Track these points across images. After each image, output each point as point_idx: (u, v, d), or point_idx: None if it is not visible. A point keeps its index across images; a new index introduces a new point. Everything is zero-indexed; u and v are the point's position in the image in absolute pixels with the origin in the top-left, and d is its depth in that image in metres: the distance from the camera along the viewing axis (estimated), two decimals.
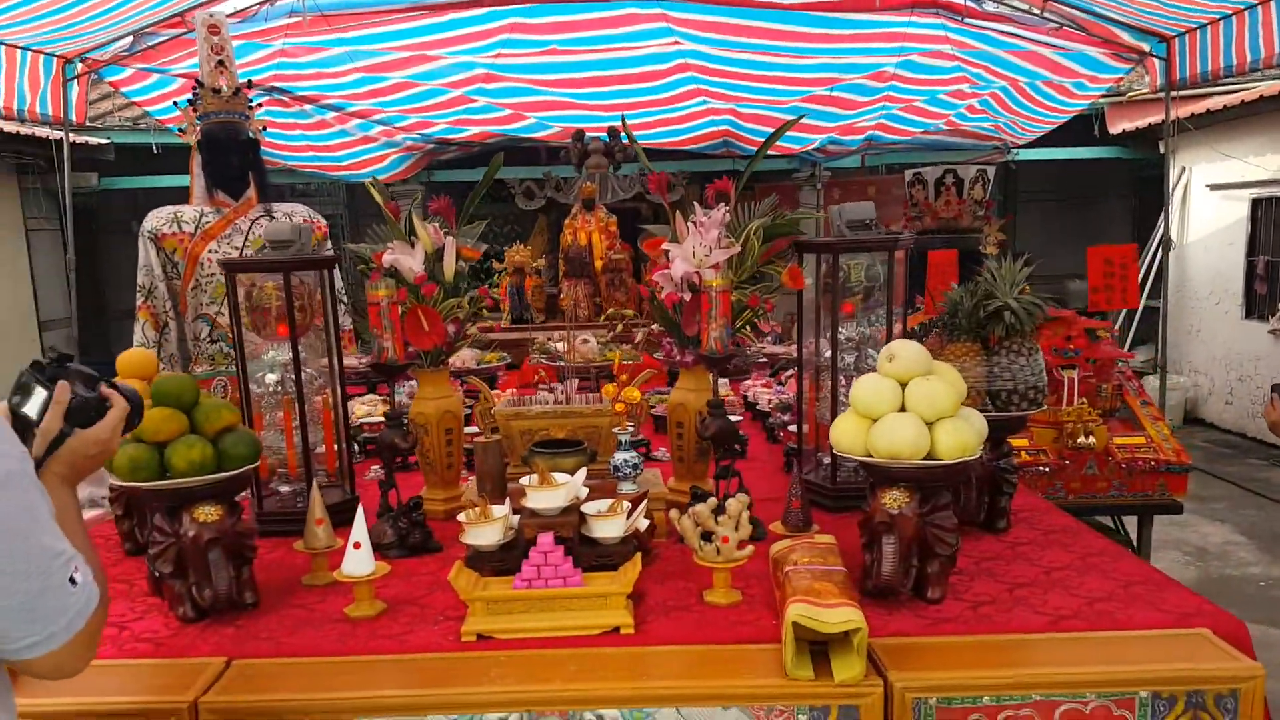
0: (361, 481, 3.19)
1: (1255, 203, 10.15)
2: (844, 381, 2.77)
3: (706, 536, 2.14)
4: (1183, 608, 2.02)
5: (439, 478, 2.87)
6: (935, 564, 2.09)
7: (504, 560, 2.14)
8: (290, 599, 2.24)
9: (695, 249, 2.49)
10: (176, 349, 4.34)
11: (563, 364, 4.08)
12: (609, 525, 2.17)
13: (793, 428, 3.16)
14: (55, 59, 5.96)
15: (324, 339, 2.87)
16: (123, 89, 6.86)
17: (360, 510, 2.16)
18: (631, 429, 2.75)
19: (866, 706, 1.73)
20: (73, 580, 1.32)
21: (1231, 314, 10.57)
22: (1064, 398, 3.92)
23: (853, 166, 11.32)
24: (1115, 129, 10.67)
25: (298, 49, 6.49)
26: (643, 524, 2.26)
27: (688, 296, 2.57)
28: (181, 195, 4.30)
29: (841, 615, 1.75)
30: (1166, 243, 6.87)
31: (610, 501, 2.24)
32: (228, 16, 5.07)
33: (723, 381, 4.19)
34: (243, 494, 2.40)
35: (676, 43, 6.70)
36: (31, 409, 1.51)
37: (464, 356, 4.26)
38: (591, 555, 2.16)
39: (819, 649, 1.81)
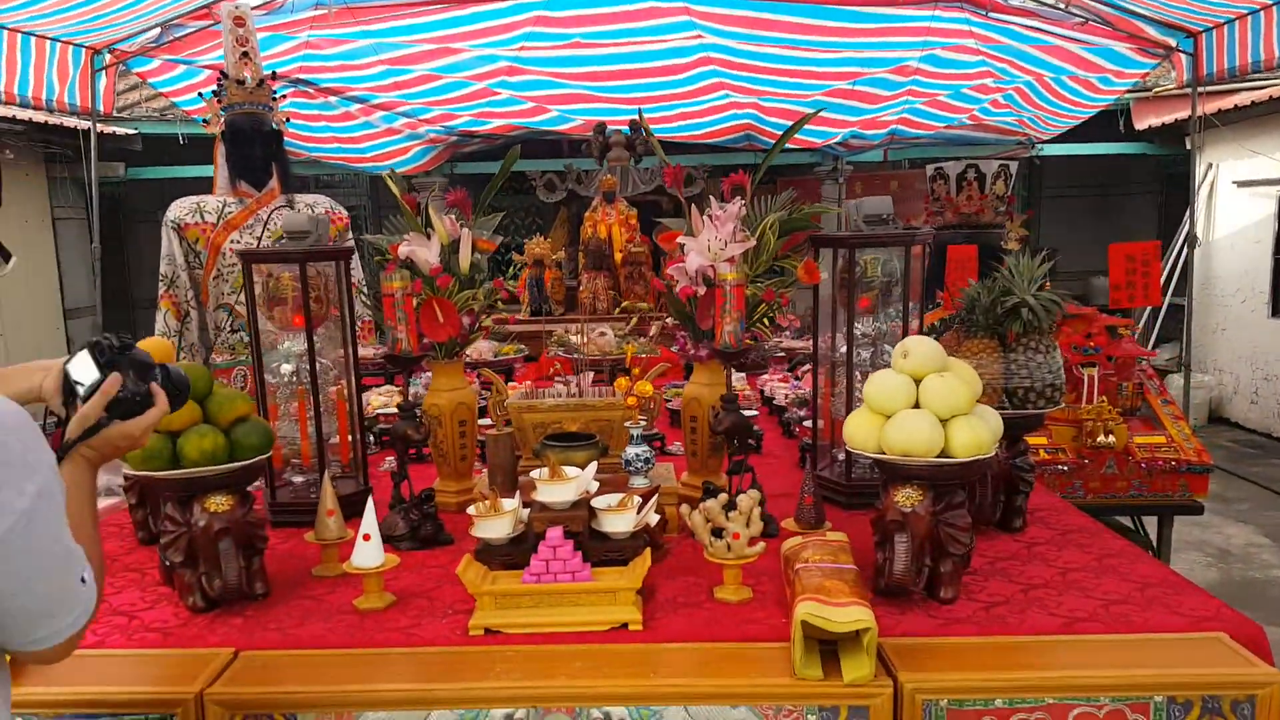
0: (376, 472, 3.19)
1: None
2: (860, 377, 2.75)
3: (718, 533, 2.13)
4: (1200, 611, 1.99)
5: (452, 470, 2.87)
6: (948, 563, 2.07)
7: (513, 554, 2.13)
8: (300, 590, 2.25)
9: (710, 243, 2.48)
10: (198, 338, 4.38)
11: (579, 357, 4.07)
12: (619, 520, 2.16)
13: (808, 423, 3.15)
14: (84, 50, 6.02)
15: (341, 330, 2.87)
16: (150, 80, 6.92)
17: (371, 502, 2.16)
18: (644, 423, 2.74)
19: (876, 707, 1.71)
20: (83, 580, 1.36)
21: (1258, 312, 10.45)
22: (1084, 396, 3.88)
23: (875, 161, 11.26)
24: (1141, 124, 10.55)
25: (323, 41, 6.52)
26: (653, 519, 2.25)
27: (702, 290, 2.55)
28: (207, 186, 4.33)
29: (851, 614, 1.73)
30: (1192, 240, 6.80)
31: (620, 496, 2.23)
32: (253, 9, 5.08)
33: (739, 376, 4.17)
34: (256, 484, 2.41)
35: (699, 36, 6.69)
36: (81, 383, 1.54)
37: (481, 348, 4.26)
38: (601, 550, 2.15)
39: (829, 648, 1.79)
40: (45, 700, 1.75)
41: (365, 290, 4.59)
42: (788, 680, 1.74)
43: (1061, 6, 6.10)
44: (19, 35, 5.46)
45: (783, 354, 4.64)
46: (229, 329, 4.32)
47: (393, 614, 2.08)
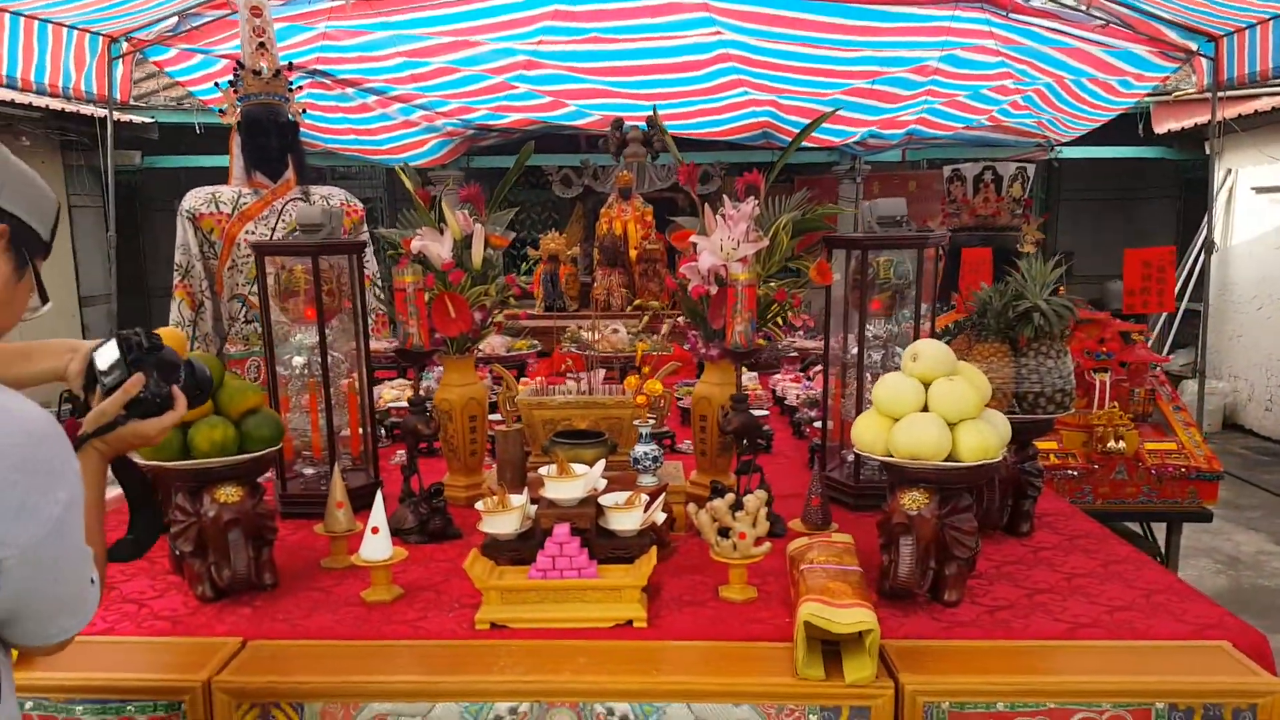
0: (386, 466, 3.21)
1: None
2: (870, 379, 2.75)
3: (724, 532, 2.13)
4: (1204, 619, 1.99)
5: (461, 464, 2.88)
6: (953, 566, 2.07)
7: (520, 550, 2.14)
8: (308, 581, 2.26)
9: (723, 242, 2.48)
10: (212, 329, 4.39)
11: (591, 353, 4.08)
12: (626, 518, 2.17)
13: (819, 424, 3.15)
14: (101, 38, 6.03)
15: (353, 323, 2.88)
16: (167, 69, 6.93)
17: (380, 495, 2.17)
18: (653, 421, 2.75)
19: (878, 708, 1.72)
20: (92, 580, 1.38)
21: (1274, 319, 10.37)
22: (1095, 401, 3.88)
23: (893, 161, 11.22)
24: (1161, 129, 10.49)
25: (340, 32, 6.53)
26: (660, 517, 2.26)
27: (714, 290, 2.56)
28: (223, 176, 4.35)
29: (854, 616, 1.74)
30: (1209, 245, 6.76)
31: (628, 494, 2.24)
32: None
33: (751, 375, 4.17)
34: (267, 476, 2.43)
35: (718, 33, 6.67)
36: (105, 376, 1.57)
37: (494, 343, 4.27)
38: (607, 547, 2.16)
39: (832, 649, 1.80)
40: (55, 685, 1.78)
41: (379, 283, 4.60)
42: (791, 680, 1.75)
43: (1082, 9, 6.05)
44: (36, 22, 5.48)
45: (796, 354, 4.63)
46: (243, 319, 4.34)
47: (400, 607, 2.10)
